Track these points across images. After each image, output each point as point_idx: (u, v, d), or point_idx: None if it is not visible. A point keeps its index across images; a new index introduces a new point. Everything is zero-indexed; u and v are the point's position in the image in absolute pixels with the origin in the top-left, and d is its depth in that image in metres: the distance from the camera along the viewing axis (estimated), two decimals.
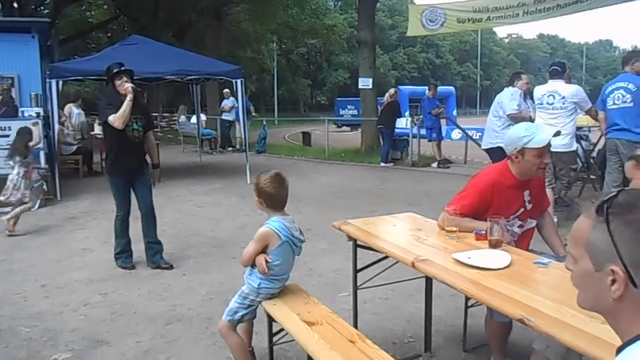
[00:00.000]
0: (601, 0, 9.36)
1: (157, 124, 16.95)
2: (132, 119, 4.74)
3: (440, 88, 14.67)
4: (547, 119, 6.12)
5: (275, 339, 2.88)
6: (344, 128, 27.06)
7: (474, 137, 12.84)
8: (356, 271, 3.24)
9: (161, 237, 5.16)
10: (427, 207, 6.23)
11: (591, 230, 1.00)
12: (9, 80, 8.96)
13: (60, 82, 8.52)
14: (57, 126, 8.76)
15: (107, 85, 5.02)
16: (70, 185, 8.97)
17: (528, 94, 7.00)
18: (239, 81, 9.78)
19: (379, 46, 37.85)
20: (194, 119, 15.36)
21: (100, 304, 4.14)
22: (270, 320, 2.82)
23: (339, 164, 13.13)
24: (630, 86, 5.62)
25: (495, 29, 66.33)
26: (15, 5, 19.67)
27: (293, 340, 2.62)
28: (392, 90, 12.87)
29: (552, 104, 6.11)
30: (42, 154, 7.91)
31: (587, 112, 6.32)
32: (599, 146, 7.38)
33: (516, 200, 2.87)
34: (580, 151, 7.43)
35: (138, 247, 5.09)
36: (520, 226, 2.94)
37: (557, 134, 3.07)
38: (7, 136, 7.90)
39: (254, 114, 17.39)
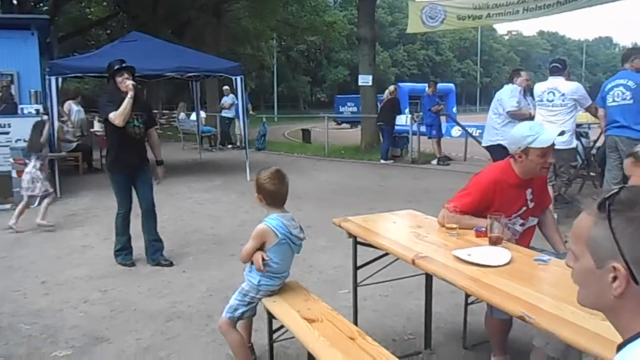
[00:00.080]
0: None
1: (157, 121, 16.89)
2: (133, 115, 4.72)
3: (440, 85, 14.66)
4: (547, 116, 6.12)
5: (275, 336, 2.88)
6: (344, 125, 27.09)
7: (473, 134, 12.85)
8: (356, 268, 3.24)
9: (161, 234, 5.15)
10: (427, 204, 6.23)
11: (593, 227, 1.00)
12: (8, 77, 8.95)
13: (60, 79, 8.51)
14: (56, 123, 8.75)
15: (108, 82, 5.00)
16: (70, 183, 8.96)
17: (528, 91, 6.98)
18: (238, 78, 9.78)
19: (378, 43, 37.87)
20: (193, 116, 15.36)
21: (100, 301, 4.14)
22: (270, 317, 2.82)
23: (339, 161, 13.12)
24: (630, 83, 5.62)
25: (495, 26, 66.62)
26: (15, 2, 19.61)
27: (293, 337, 2.62)
28: (391, 87, 12.86)
29: (552, 100, 6.11)
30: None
31: (587, 109, 6.32)
32: (599, 143, 7.38)
33: (518, 199, 2.85)
34: (580, 148, 7.44)
35: (138, 245, 5.08)
36: (521, 225, 2.93)
37: (562, 133, 3.05)
38: (7, 133, 7.90)
39: (251, 112, 17.37)
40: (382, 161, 12.18)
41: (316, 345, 2.34)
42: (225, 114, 15.82)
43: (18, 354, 3.28)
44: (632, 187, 1.00)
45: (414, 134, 12.20)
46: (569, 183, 6.94)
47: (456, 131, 15.96)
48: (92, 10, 28.13)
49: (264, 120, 16.80)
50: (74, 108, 11.17)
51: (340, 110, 30.36)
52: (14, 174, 7.53)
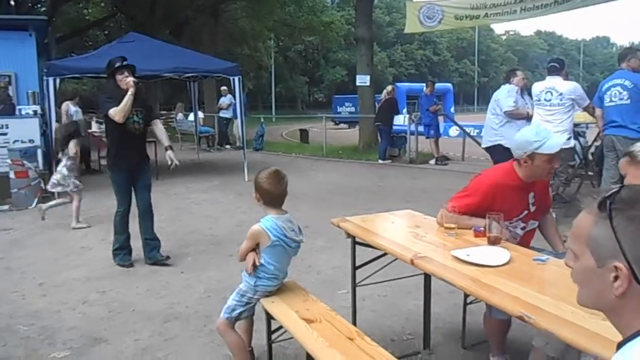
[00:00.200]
0: None
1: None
2: (133, 111, 4.74)
3: (437, 85, 14.69)
4: (545, 116, 6.13)
5: (274, 336, 2.87)
6: (342, 125, 27.04)
7: (471, 134, 12.85)
8: (355, 268, 3.23)
9: (159, 235, 5.15)
10: (425, 204, 6.23)
11: (593, 226, 0.99)
12: (6, 78, 8.94)
13: (58, 80, 8.51)
14: (54, 124, 8.73)
15: (109, 80, 4.99)
16: None
17: (525, 90, 6.99)
18: (236, 78, 9.78)
19: (376, 43, 37.81)
20: (191, 117, 15.35)
21: (98, 302, 4.13)
22: (269, 317, 2.82)
23: (337, 161, 13.12)
24: (627, 83, 5.63)
25: (492, 26, 66.60)
26: (12, 3, 19.58)
27: (292, 337, 2.61)
28: (389, 87, 12.86)
29: (550, 100, 6.12)
30: (39, 152, 7.90)
31: (585, 109, 6.33)
32: (597, 143, 7.39)
33: (520, 202, 2.83)
34: (578, 148, 7.44)
35: (135, 245, 5.08)
36: (522, 228, 2.90)
37: (568, 139, 3.02)
38: (5, 134, 7.89)
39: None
40: (380, 161, 12.19)
41: (315, 346, 2.34)
42: (223, 114, 15.83)
43: (16, 356, 3.27)
44: (632, 186, 1.00)
45: (411, 133, 12.21)
46: (567, 182, 6.95)
47: (454, 131, 15.94)
48: (89, 11, 28.08)
49: (262, 120, 16.79)
50: (71, 109, 11.12)
51: (338, 110, 30.32)
52: (11, 175, 7.52)
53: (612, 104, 5.70)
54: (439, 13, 11.32)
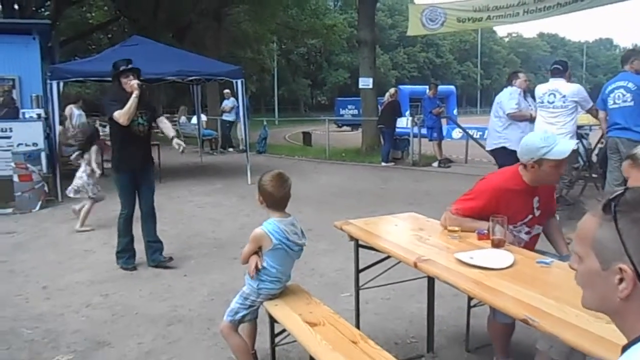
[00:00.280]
0: None
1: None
2: (138, 113, 4.76)
3: (440, 87, 14.66)
4: (548, 118, 6.12)
5: (277, 339, 2.87)
6: (345, 128, 27.05)
7: (474, 136, 12.84)
8: (358, 271, 3.23)
9: (162, 238, 5.15)
10: (428, 207, 6.22)
11: (598, 228, 0.99)
12: (9, 81, 8.95)
13: (61, 84, 8.55)
14: (58, 127, 8.76)
15: (113, 82, 5.00)
16: None
17: (528, 92, 6.98)
18: (239, 81, 9.80)
19: (379, 46, 37.84)
20: (194, 120, 15.38)
21: (101, 306, 4.13)
22: (272, 321, 2.81)
23: (340, 163, 13.12)
24: (630, 85, 5.61)
25: (495, 28, 66.69)
26: (16, 7, 19.68)
27: (295, 341, 2.61)
28: (392, 90, 12.87)
29: (553, 102, 6.10)
30: (43, 156, 7.91)
31: (588, 111, 6.32)
32: (600, 145, 7.37)
33: (525, 207, 2.81)
34: (581, 150, 7.43)
35: (138, 248, 5.08)
36: (527, 233, 2.88)
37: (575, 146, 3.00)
38: (9, 137, 7.91)
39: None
40: (383, 164, 12.18)
41: (318, 349, 2.33)
42: (226, 117, 15.84)
43: (20, 359, 3.27)
44: (637, 188, 0.99)
45: (414, 136, 12.21)
46: (571, 185, 6.93)
47: (457, 133, 15.94)
48: (93, 14, 28.24)
49: (265, 123, 16.82)
50: (75, 112, 11.19)
51: (341, 113, 30.35)
52: (15, 179, 7.54)
53: (616, 106, 5.69)
54: (442, 15, 11.33)
